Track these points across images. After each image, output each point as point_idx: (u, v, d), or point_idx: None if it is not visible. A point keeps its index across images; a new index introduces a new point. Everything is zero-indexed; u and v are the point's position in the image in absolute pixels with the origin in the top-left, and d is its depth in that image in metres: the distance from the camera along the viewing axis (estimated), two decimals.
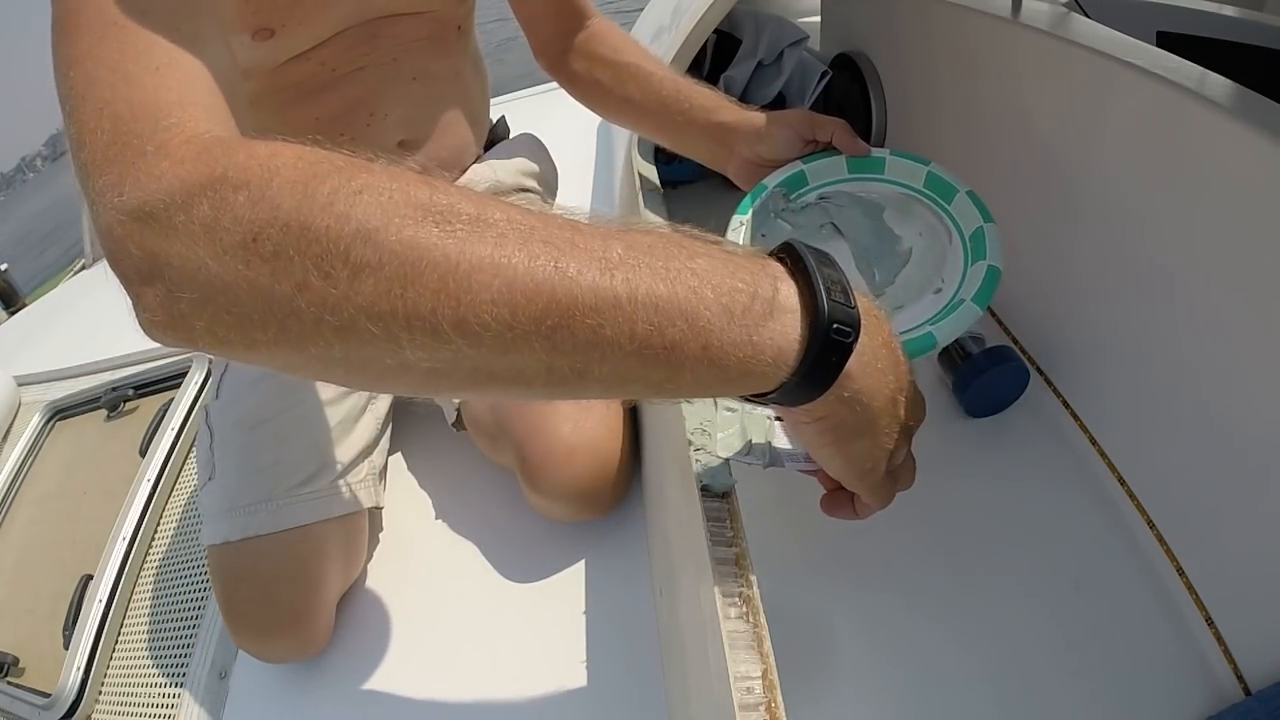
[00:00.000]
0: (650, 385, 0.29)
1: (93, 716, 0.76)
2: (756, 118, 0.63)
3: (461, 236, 0.27)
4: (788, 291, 0.31)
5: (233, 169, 0.28)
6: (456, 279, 0.26)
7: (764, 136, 0.62)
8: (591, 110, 0.76)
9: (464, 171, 0.80)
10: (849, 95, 1.03)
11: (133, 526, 0.88)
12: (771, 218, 0.63)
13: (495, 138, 0.87)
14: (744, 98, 1.01)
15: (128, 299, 0.30)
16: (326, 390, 0.73)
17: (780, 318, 0.30)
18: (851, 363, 0.32)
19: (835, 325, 0.30)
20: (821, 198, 0.64)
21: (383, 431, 0.78)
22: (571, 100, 0.78)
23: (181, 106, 0.33)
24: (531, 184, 0.85)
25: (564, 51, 0.74)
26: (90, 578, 0.84)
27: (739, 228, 0.61)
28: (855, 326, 0.31)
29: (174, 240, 0.28)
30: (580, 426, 0.65)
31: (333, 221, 0.26)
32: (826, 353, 0.31)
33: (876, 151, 0.63)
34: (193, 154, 0.29)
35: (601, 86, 0.72)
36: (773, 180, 0.63)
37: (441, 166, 0.77)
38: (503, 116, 0.90)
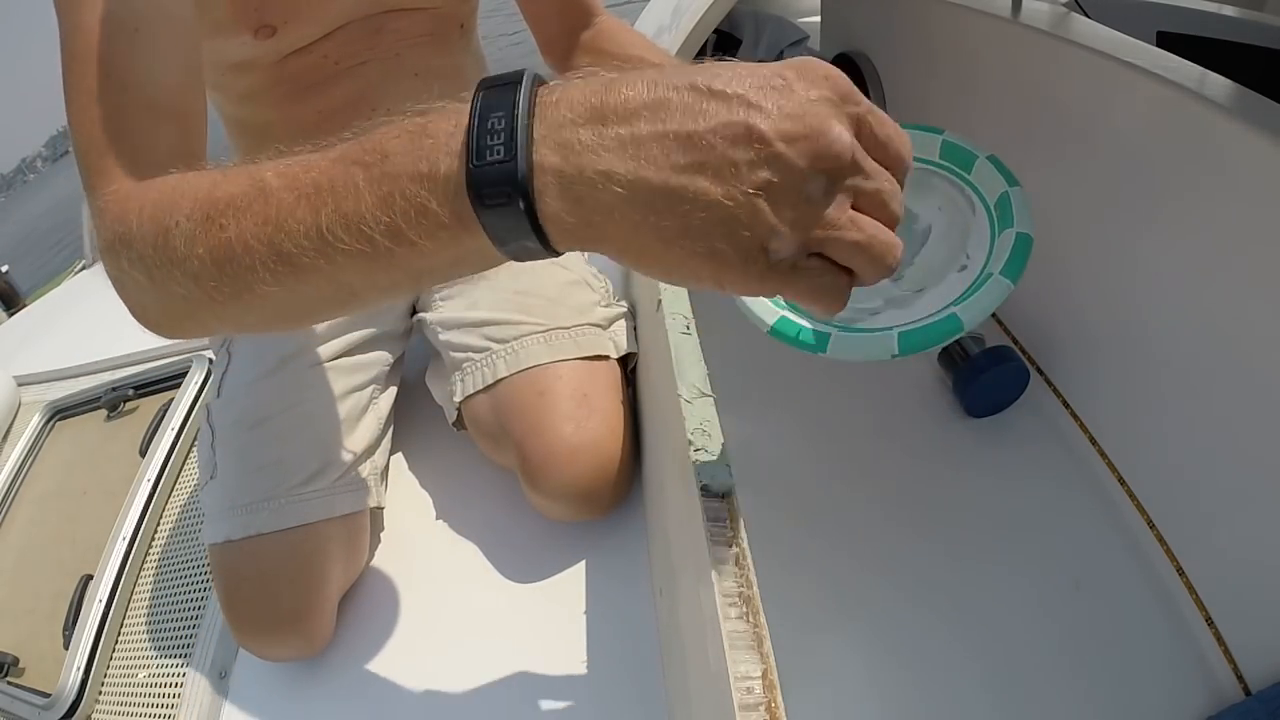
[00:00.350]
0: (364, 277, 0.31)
1: (93, 716, 0.76)
2: None
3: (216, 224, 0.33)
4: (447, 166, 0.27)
5: (125, 227, 0.37)
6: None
7: None
8: None
9: None
10: None
11: (133, 526, 0.88)
12: None
13: None
14: None
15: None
16: (328, 390, 0.73)
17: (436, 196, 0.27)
18: (563, 167, 0.25)
19: (485, 198, 0.26)
20: None
21: (384, 431, 0.78)
22: None
23: (119, 150, 0.41)
24: None
25: (570, 50, 0.73)
26: (90, 578, 0.84)
27: None
28: (511, 175, 0.25)
29: (120, 274, 0.38)
30: (581, 427, 0.65)
31: (173, 241, 0.35)
32: (493, 208, 0.26)
33: None
34: (110, 217, 0.39)
35: None
36: None
37: None
38: None
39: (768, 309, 0.52)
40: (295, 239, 0.31)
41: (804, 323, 0.51)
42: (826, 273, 0.27)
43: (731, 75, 0.25)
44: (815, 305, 0.28)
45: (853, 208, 0.27)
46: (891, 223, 0.28)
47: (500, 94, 0.27)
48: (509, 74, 0.28)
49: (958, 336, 0.47)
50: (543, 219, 0.26)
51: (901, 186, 0.28)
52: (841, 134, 0.25)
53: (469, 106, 0.27)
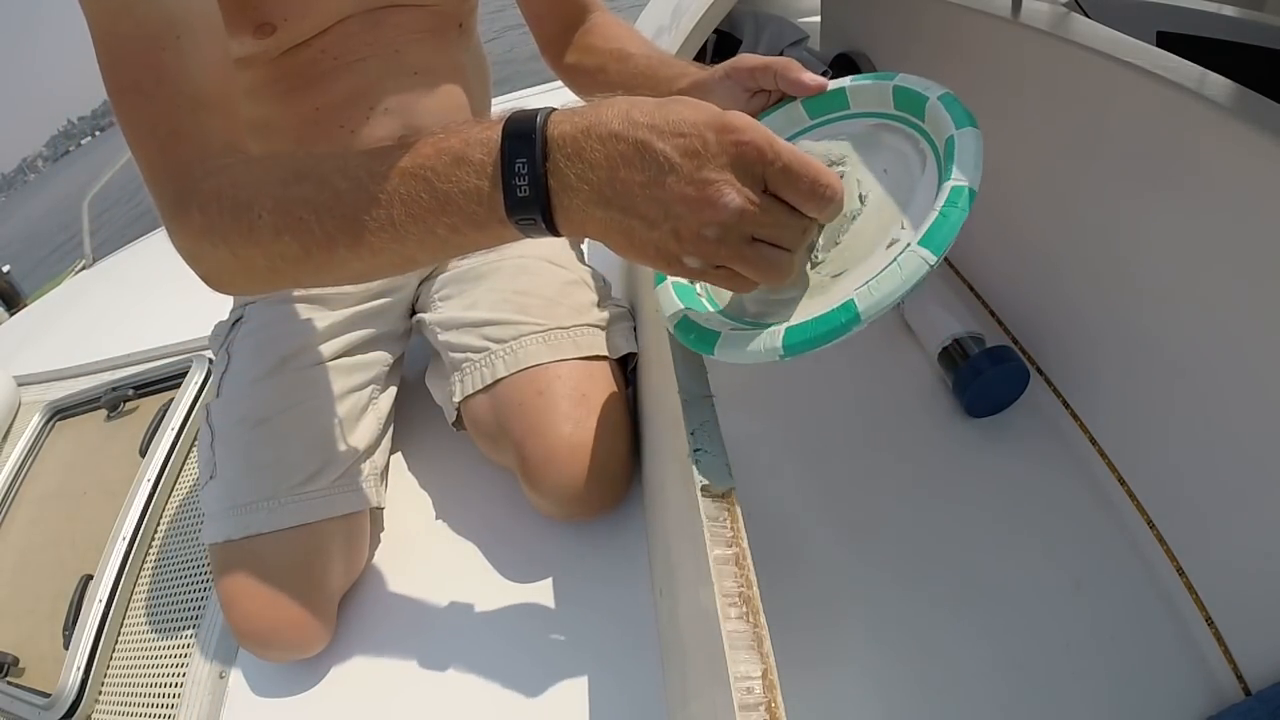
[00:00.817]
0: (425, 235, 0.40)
1: (93, 716, 0.76)
2: (702, 74, 0.56)
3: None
4: (490, 189, 0.38)
5: (206, 217, 0.45)
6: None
7: (707, 94, 0.55)
8: (582, 100, 0.76)
9: None
10: None
11: (133, 526, 0.88)
12: None
13: None
14: None
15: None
16: (328, 390, 0.73)
17: (482, 206, 0.38)
18: (564, 199, 0.37)
19: (517, 217, 0.38)
20: None
21: (384, 431, 0.78)
22: (571, 100, 0.78)
23: (180, 146, 0.47)
24: None
25: (565, 47, 0.74)
26: (90, 578, 0.84)
27: None
28: (536, 204, 0.37)
29: (199, 251, 0.47)
30: (581, 426, 0.65)
31: (258, 233, 0.44)
32: (524, 222, 0.38)
33: (835, 83, 0.52)
34: (185, 208, 0.46)
35: (587, 73, 0.71)
36: None
37: None
38: None
39: (675, 306, 0.49)
40: (374, 232, 0.40)
41: (705, 322, 0.47)
42: (730, 278, 0.39)
43: (668, 140, 0.35)
44: (730, 289, 0.39)
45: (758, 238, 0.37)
46: (791, 247, 0.37)
47: (522, 143, 0.37)
48: (527, 117, 0.37)
49: (855, 329, 0.39)
50: (554, 224, 0.38)
51: (828, 216, 0.38)
52: (728, 205, 0.35)
53: (498, 139, 0.37)
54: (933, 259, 0.39)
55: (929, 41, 0.87)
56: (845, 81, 0.52)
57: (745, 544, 0.39)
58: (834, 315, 0.39)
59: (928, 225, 0.40)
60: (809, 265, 0.47)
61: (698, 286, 0.51)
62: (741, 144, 0.35)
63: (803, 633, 0.56)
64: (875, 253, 0.44)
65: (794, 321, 0.42)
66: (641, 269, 0.67)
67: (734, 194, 0.35)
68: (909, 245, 0.40)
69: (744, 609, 0.35)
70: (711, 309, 0.49)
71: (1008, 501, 0.63)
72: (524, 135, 0.37)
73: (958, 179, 0.41)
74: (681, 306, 0.48)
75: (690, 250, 0.37)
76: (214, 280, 0.49)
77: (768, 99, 0.55)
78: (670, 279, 0.50)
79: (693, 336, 0.46)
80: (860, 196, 0.49)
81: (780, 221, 0.37)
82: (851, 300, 0.39)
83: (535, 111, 0.37)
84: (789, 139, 0.53)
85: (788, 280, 0.39)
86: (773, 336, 0.42)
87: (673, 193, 0.35)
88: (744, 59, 0.54)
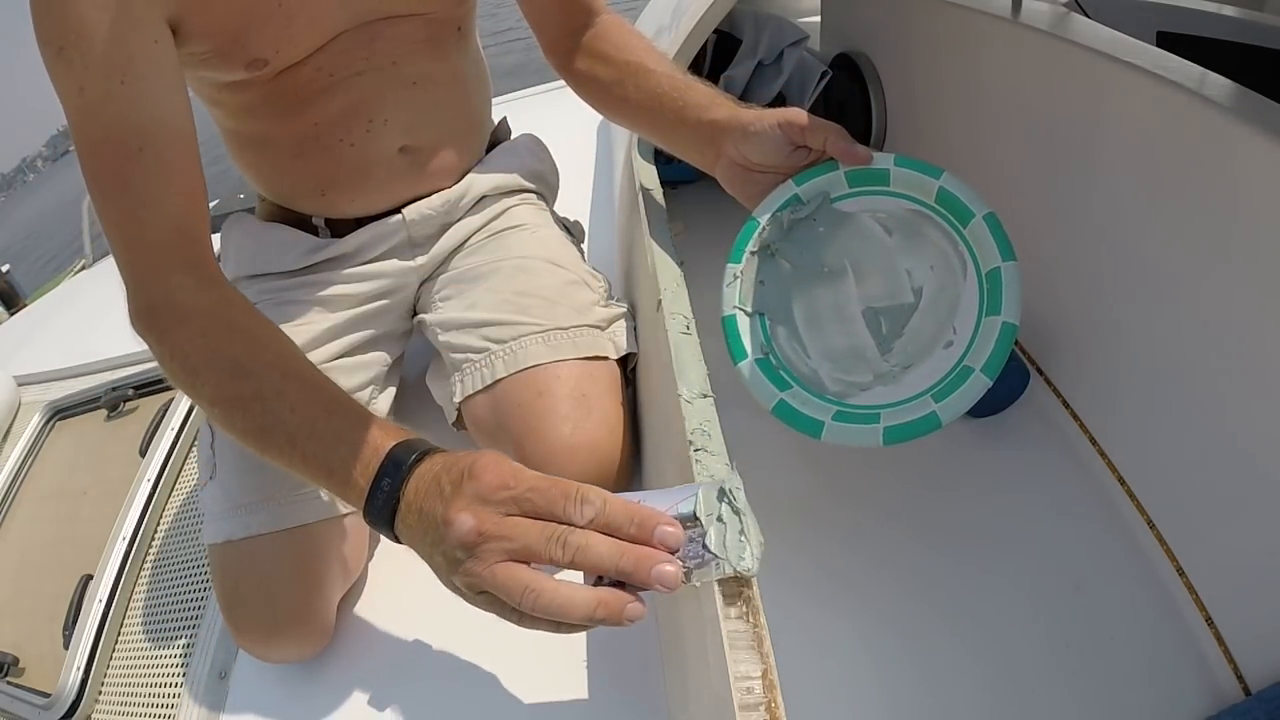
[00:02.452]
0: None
1: (93, 716, 0.76)
2: (746, 115, 0.58)
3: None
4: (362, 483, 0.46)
5: (161, 349, 0.53)
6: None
7: (749, 136, 0.57)
8: (594, 109, 0.75)
9: (465, 174, 0.80)
10: (849, 95, 1.03)
11: (133, 526, 0.88)
12: (771, 256, 0.59)
13: (497, 139, 0.87)
14: (744, 98, 1.01)
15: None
16: None
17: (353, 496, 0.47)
18: (401, 533, 0.46)
19: (371, 519, 0.47)
20: (819, 220, 0.58)
21: None
22: (572, 100, 0.78)
23: (142, 253, 0.53)
24: (531, 186, 0.85)
25: (571, 50, 0.73)
26: (90, 578, 0.84)
27: (734, 281, 0.57)
28: (387, 522, 0.46)
29: (157, 358, 0.54)
30: (580, 427, 0.65)
31: (199, 395, 0.53)
32: (374, 526, 0.47)
33: (879, 158, 0.55)
34: (147, 333, 0.53)
35: (601, 84, 0.70)
36: (764, 213, 0.58)
37: (443, 171, 0.76)
38: (504, 118, 0.90)
39: (770, 392, 0.56)
40: (274, 454, 0.49)
41: (803, 409, 0.55)
42: (497, 606, 0.42)
43: (447, 510, 0.42)
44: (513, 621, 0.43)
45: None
46: (552, 557, 0.40)
47: (392, 471, 0.45)
48: (405, 451, 0.46)
49: (937, 429, 0.49)
50: (395, 533, 0.46)
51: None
52: (461, 525, 0.40)
53: (380, 461, 0.46)
54: (990, 383, 0.49)
55: (929, 41, 0.87)
56: (889, 161, 0.55)
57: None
58: (924, 423, 0.49)
59: (987, 355, 0.49)
60: (880, 353, 0.55)
61: (772, 359, 0.58)
62: (492, 487, 0.41)
63: (803, 633, 0.56)
64: (935, 351, 0.53)
65: (891, 423, 0.51)
66: (642, 269, 0.67)
67: (468, 516, 0.40)
68: (972, 369, 0.49)
69: (744, 609, 0.35)
70: (796, 385, 0.56)
71: (1008, 502, 0.63)
72: (399, 463, 0.46)
73: (1008, 316, 0.49)
74: (776, 393, 0.56)
75: (456, 578, 0.42)
76: (167, 375, 0.55)
77: (808, 155, 0.57)
78: (751, 357, 0.57)
79: (797, 424, 0.54)
80: (914, 290, 0.55)
81: (517, 532, 0.40)
82: (934, 413, 0.49)
83: (412, 453, 0.46)
84: (833, 201, 0.57)
85: (543, 609, 0.41)
86: (874, 434, 0.51)
87: (442, 538, 0.41)
88: (798, 114, 0.56)
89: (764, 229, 0.58)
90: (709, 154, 0.62)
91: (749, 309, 0.58)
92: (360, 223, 0.76)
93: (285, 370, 0.51)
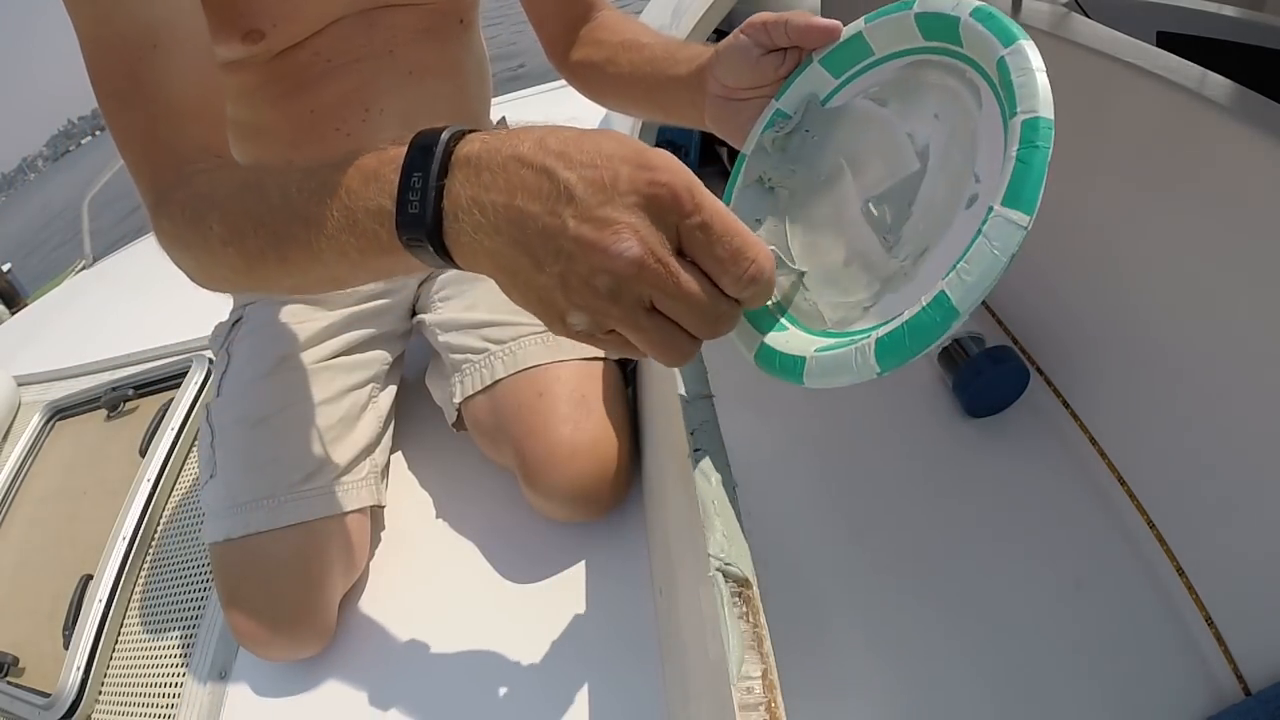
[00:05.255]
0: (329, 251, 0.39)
1: (93, 716, 0.76)
2: (723, 42, 0.51)
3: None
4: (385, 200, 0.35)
5: (173, 224, 0.48)
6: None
7: (720, 59, 0.51)
8: (596, 101, 0.74)
9: None
10: None
11: (133, 526, 0.88)
12: (770, 191, 0.49)
13: None
14: None
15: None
16: (327, 388, 0.73)
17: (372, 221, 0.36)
18: (454, 222, 0.33)
19: (406, 237, 0.34)
20: (811, 129, 0.48)
21: (384, 430, 0.78)
22: (572, 100, 0.78)
23: (155, 151, 0.50)
24: None
25: (570, 46, 0.72)
26: (90, 578, 0.84)
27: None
28: (422, 225, 0.33)
29: (176, 257, 0.49)
30: (580, 427, 0.65)
31: (210, 242, 0.45)
32: (414, 244, 0.35)
33: (849, 29, 0.46)
34: (160, 215, 0.49)
35: (596, 66, 0.68)
36: (748, 143, 0.49)
37: None
38: (503, 118, 0.90)
39: (752, 338, 0.43)
40: (295, 249, 0.40)
41: (786, 347, 0.41)
42: (621, 345, 0.34)
43: (575, 169, 0.31)
44: (618, 354, 0.35)
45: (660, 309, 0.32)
46: (696, 332, 0.32)
47: (422, 155, 0.34)
48: (434, 131, 0.34)
49: (956, 324, 0.33)
50: (446, 249, 0.34)
51: (754, 293, 0.32)
52: (624, 252, 0.30)
53: (405, 154, 0.35)
54: (1024, 219, 0.32)
55: None
56: (860, 24, 0.45)
57: (745, 543, 0.39)
58: (927, 315, 0.33)
59: (1008, 178, 0.34)
60: (885, 250, 0.40)
61: (769, 303, 0.44)
62: (656, 183, 0.30)
63: (803, 633, 0.56)
64: (957, 216, 0.38)
65: (884, 330, 0.35)
66: None
67: (634, 241, 0.30)
68: (992, 208, 0.33)
69: (744, 609, 0.35)
70: (791, 325, 0.43)
71: (1008, 501, 0.63)
72: (426, 148, 0.34)
73: (1026, 110, 0.36)
74: (759, 336, 0.42)
75: (577, 303, 0.32)
76: (195, 279, 0.50)
77: (783, 60, 0.49)
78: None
79: (777, 367, 0.40)
80: (919, 153, 0.42)
81: (687, 294, 0.31)
82: (943, 293, 0.33)
83: (446, 127, 0.35)
84: (823, 102, 0.47)
85: (685, 363, 0.33)
86: (864, 354, 0.36)
87: (567, 229, 0.30)
88: (757, 15, 0.49)
89: (749, 160, 0.49)
90: (700, 102, 0.55)
91: None
92: None
93: (290, 169, 0.42)
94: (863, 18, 0.45)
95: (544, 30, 0.74)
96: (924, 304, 0.34)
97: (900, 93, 0.44)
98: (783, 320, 0.43)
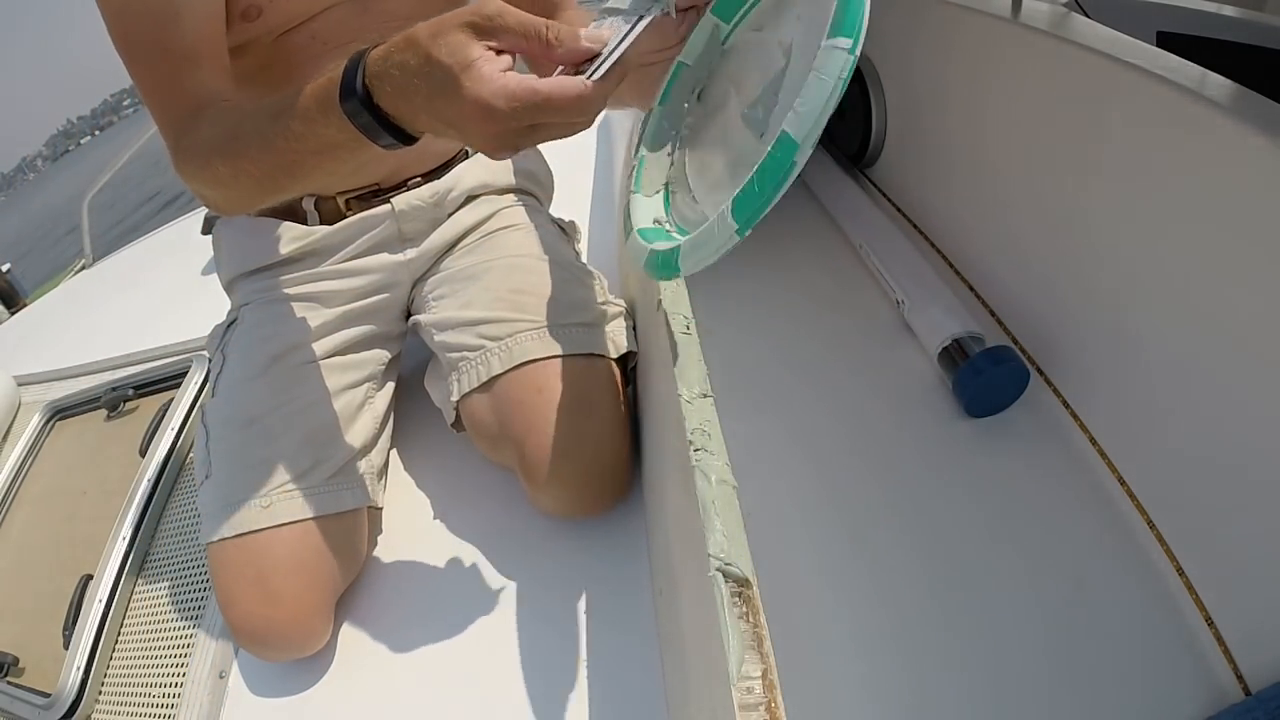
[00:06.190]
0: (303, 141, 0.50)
1: (93, 716, 0.76)
2: None
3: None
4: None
5: (192, 165, 0.57)
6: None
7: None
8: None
9: (451, 162, 0.80)
10: (849, 95, 1.03)
11: (133, 526, 0.88)
12: (672, 135, 0.54)
13: None
14: None
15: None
16: (320, 387, 0.73)
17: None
18: (379, 84, 0.45)
19: (346, 106, 0.46)
20: (711, 75, 0.53)
21: (381, 429, 0.78)
22: None
23: (180, 100, 0.59)
24: (523, 184, 0.85)
25: None
26: (90, 578, 0.84)
27: (633, 171, 0.54)
28: (356, 94, 0.45)
29: (199, 191, 0.59)
30: (581, 424, 0.65)
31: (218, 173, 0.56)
32: (352, 110, 0.46)
33: None
34: (183, 155, 0.58)
35: None
36: (657, 95, 0.54)
37: (424, 145, 0.77)
38: None
39: (641, 249, 0.47)
40: (284, 160, 0.51)
41: (666, 246, 0.45)
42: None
43: (441, 49, 0.41)
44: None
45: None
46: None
47: (351, 64, 0.46)
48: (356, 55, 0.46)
49: (798, 157, 0.34)
50: (379, 110, 0.45)
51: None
52: (490, 115, 0.41)
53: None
54: (847, 43, 0.33)
55: (929, 41, 0.87)
56: None
57: (745, 543, 0.39)
58: (771, 157, 0.34)
59: (831, 14, 0.35)
60: (756, 135, 0.44)
61: (666, 225, 0.51)
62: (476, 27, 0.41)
63: (803, 633, 0.56)
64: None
65: (737, 189, 0.37)
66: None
67: (491, 110, 0.40)
68: (819, 45, 0.35)
69: (744, 609, 0.35)
70: (680, 236, 0.47)
71: (1008, 501, 0.63)
72: (353, 61, 0.46)
73: None
74: (646, 245, 0.47)
75: (479, 145, 0.43)
76: (219, 209, 0.62)
77: (681, 21, 0.53)
78: (635, 226, 0.50)
79: (659, 266, 0.44)
80: (784, 52, 0.45)
81: (540, 118, 0.41)
82: (783, 131, 0.34)
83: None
84: (720, 46, 0.53)
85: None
86: (722, 218, 0.38)
87: (448, 110, 0.42)
88: None
89: (656, 112, 0.54)
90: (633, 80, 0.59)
91: (648, 192, 0.53)
92: (350, 208, 0.76)
93: (259, 108, 0.53)
94: None
95: None
96: (768, 149, 0.35)
97: (773, 16, 0.48)
98: (674, 234, 0.49)
